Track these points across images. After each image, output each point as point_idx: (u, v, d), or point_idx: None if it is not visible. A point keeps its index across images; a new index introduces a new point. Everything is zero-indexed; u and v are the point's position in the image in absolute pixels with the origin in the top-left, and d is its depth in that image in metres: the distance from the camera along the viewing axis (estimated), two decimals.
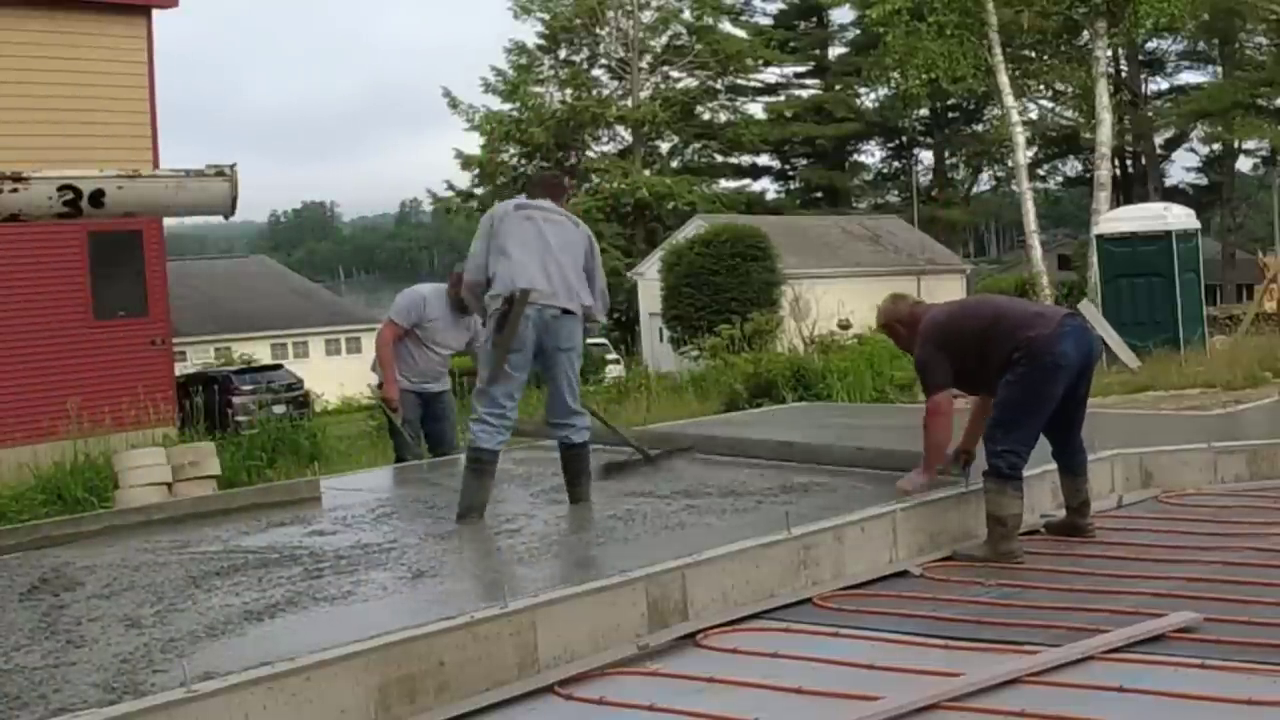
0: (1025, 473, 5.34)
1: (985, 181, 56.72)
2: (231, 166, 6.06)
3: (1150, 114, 46.62)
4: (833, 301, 26.08)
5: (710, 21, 47.82)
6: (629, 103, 46.24)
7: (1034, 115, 41.50)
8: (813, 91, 54.14)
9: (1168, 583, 4.64)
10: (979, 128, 51.33)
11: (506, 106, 46.19)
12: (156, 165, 16.81)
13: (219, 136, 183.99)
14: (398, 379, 7.89)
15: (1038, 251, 28.31)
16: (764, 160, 53.93)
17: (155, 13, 20.24)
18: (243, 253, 67.11)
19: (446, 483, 6.67)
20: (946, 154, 55.57)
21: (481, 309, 5.94)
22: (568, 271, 5.75)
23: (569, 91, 46.47)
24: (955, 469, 5.66)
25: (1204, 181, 50.97)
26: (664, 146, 49.23)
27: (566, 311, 5.70)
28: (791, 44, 52.67)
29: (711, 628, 4.30)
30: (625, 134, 47.38)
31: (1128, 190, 43.00)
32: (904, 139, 56.08)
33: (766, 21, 53.26)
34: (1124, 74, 45.59)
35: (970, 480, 5.57)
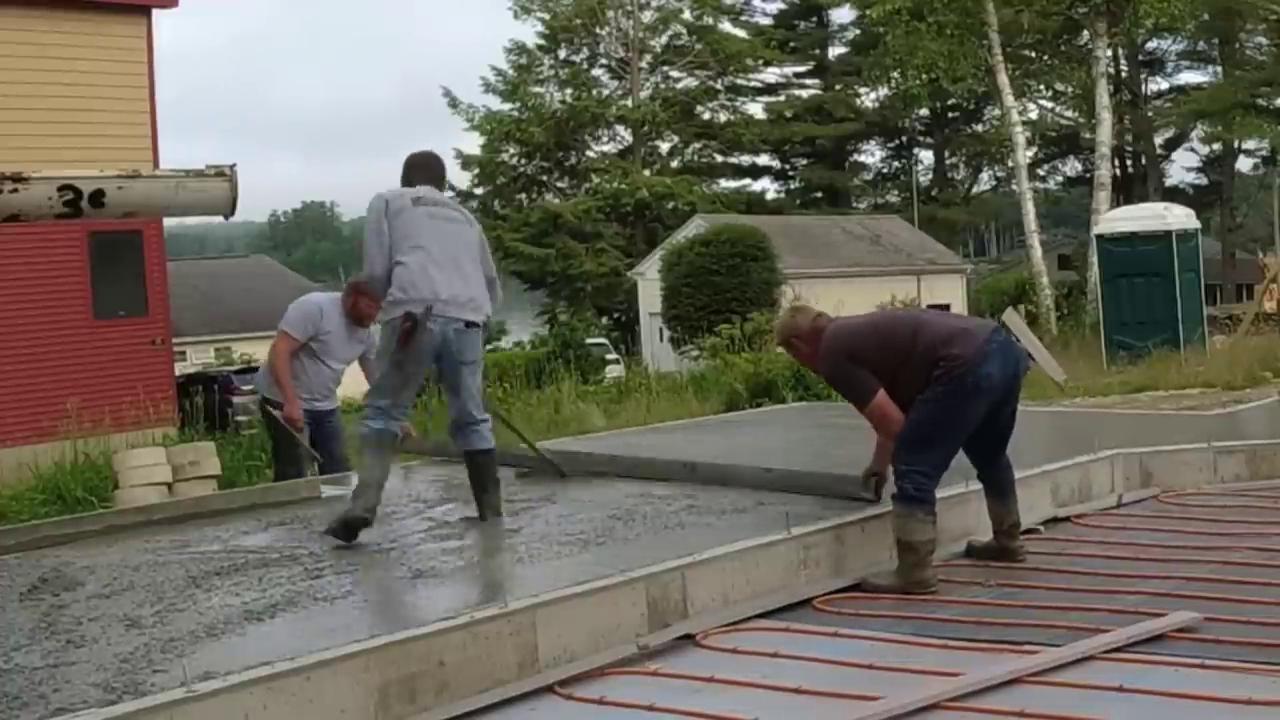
0: (1021, 474, 5.31)
1: (985, 181, 56.85)
2: (231, 166, 6.02)
3: (1150, 114, 46.66)
4: (832, 301, 25.96)
5: (710, 21, 47.93)
6: (629, 103, 46.29)
7: (1034, 115, 41.51)
8: (813, 91, 54.22)
9: (1168, 583, 4.64)
10: (979, 128, 51.41)
11: (506, 106, 46.27)
12: (156, 165, 16.81)
13: (249, 135, 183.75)
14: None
15: (1038, 251, 28.33)
16: (764, 160, 54.07)
17: (156, 12, 20.26)
18: (243, 253, 67.04)
19: (447, 482, 6.68)
20: (946, 154, 55.61)
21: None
22: (472, 279, 5.40)
23: (569, 91, 46.54)
24: (866, 491, 5.31)
25: (1204, 181, 50.99)
26: (664, 146, 49.36)
27: (471, 324, 5.36)
28: (791, 44, 52.74)
29: (711, 628, 4.29)
30: (625, 134, 47.43)
31: (1128, 190, 42.99)
32: (904, 139, 56.11)
33: (766, 21, 53.37)
34: (1124, 74, 45.60)
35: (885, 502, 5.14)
